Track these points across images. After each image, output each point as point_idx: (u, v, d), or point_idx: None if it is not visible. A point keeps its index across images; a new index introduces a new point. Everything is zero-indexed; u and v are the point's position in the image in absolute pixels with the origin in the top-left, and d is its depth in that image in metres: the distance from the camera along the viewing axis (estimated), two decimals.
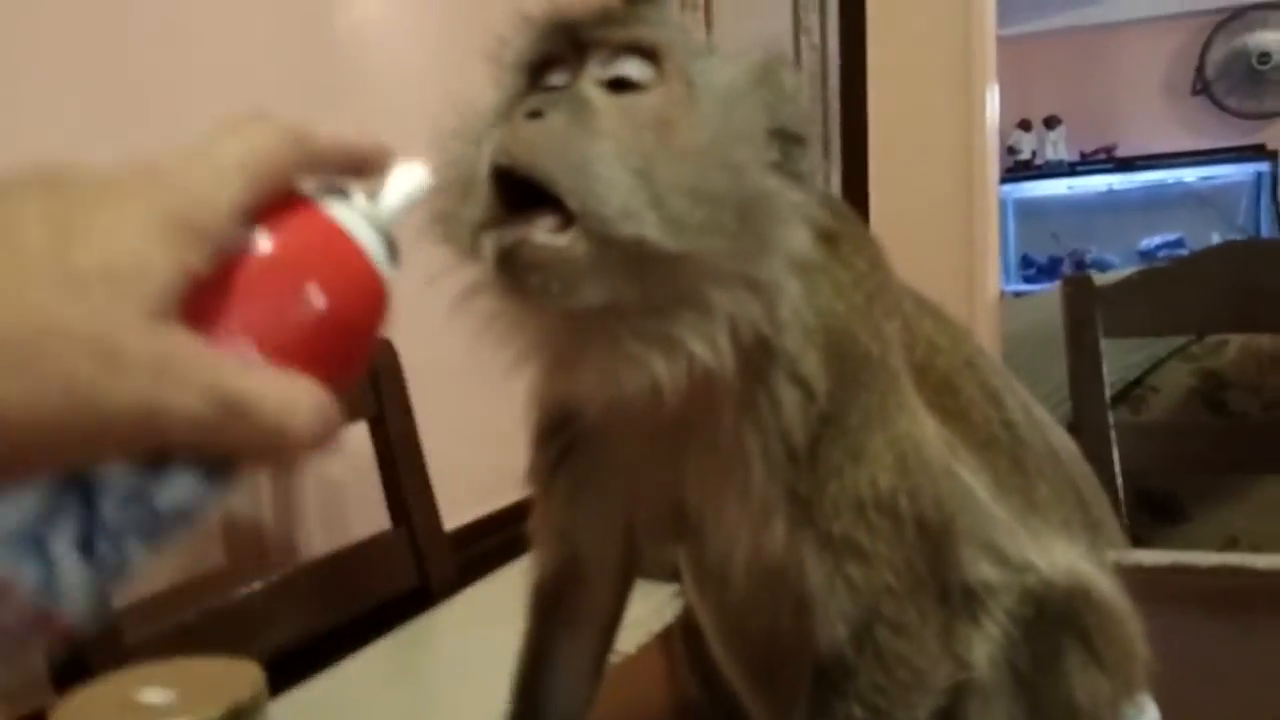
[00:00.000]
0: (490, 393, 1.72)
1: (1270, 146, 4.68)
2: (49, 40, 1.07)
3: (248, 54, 1.31)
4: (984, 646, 0.57)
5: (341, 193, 0.38)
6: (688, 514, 0.58)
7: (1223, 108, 4.88)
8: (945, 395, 0.59)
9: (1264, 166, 4.70)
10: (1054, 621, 0.57)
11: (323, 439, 0.34)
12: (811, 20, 1.75)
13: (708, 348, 0.49)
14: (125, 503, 0.32)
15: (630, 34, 0.50)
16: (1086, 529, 0.64)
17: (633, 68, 0.49)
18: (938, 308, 0.64)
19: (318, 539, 1.36)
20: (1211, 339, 1.83)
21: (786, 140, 0.51)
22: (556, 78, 0.51)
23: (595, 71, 0.50)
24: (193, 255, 0.32)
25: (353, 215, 0.37)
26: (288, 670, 0.89)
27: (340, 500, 1.41)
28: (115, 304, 0.30)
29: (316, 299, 0.35)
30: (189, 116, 1.20)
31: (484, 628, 1.04)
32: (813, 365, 0.53)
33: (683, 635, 0.76)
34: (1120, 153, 4.99)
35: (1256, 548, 1.74)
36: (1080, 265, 5.03)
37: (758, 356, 0.53)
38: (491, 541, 1.57)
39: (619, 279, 0.47)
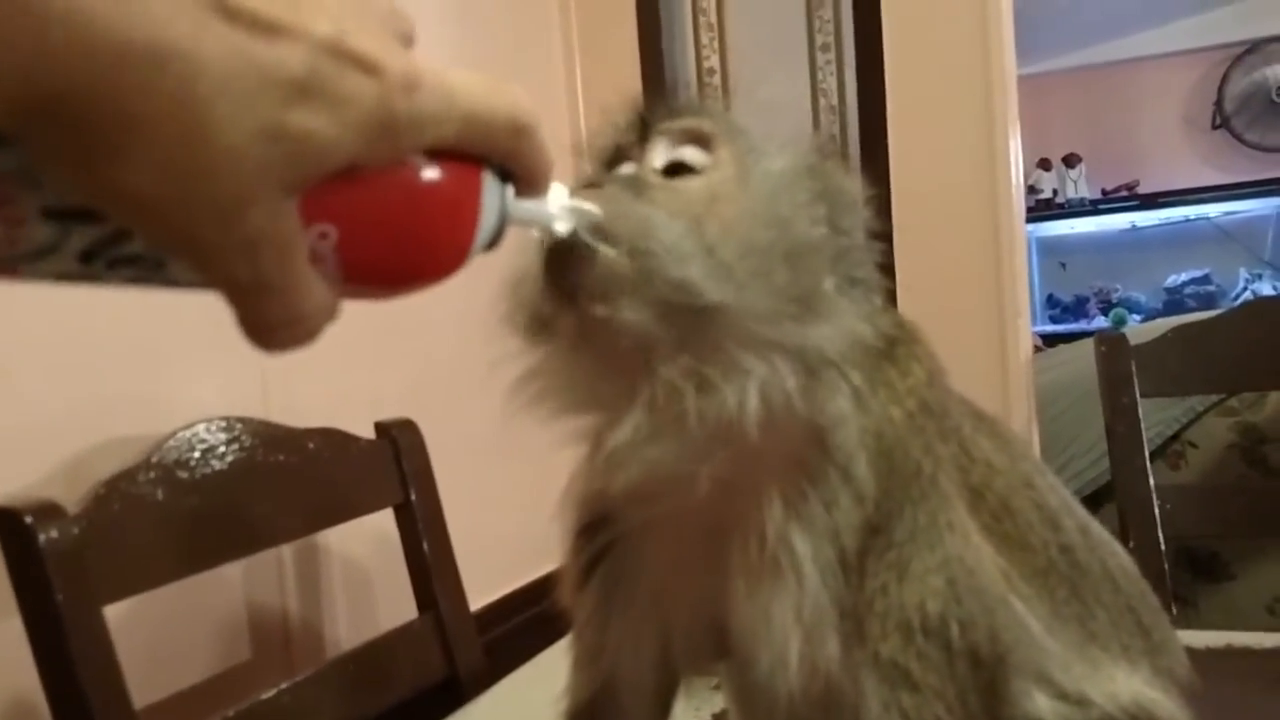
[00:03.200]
0: (512, 468, 1.71)
1: None
2: None
3: None
4: None
5: (502, 172, 0.39)
6: (730, 627, 0.55)
7: (1243, 141, 4.85)
8: (1004, 520, 0.57)
9: None
10: None
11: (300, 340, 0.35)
12: (829, 83, 1.75)
13: (738, 401, 0.48)
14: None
15: (688, 124, 0.52)
16: (1147, 654, 0.61)
17: (690, 153, 0.51)
18: (994, 421, 0.62)
19: (344, 628, 1.34)
20: (1250, 393, 1.79)
21: (842, 247, 0.52)
22: (625, 168, 0.53)
23: (655, 159, 0.52)
24: (371, 143, 0.32)
25: (493, 194, 0.38)
26: None
27: (366, 587, 1.39)
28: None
29: (412, 236, 0.36)
30: None
31: None
32: (863, 468, 0.51)
33: None
34: (1142, 189, 4.96)
35: None
36: (1107, 304, 4.99)
37: (809, 450, 0.51)
38: (518, 620, 1.55)
39: (658, 316, 0.47)
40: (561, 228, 0.45)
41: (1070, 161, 5.02)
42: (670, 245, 0.47)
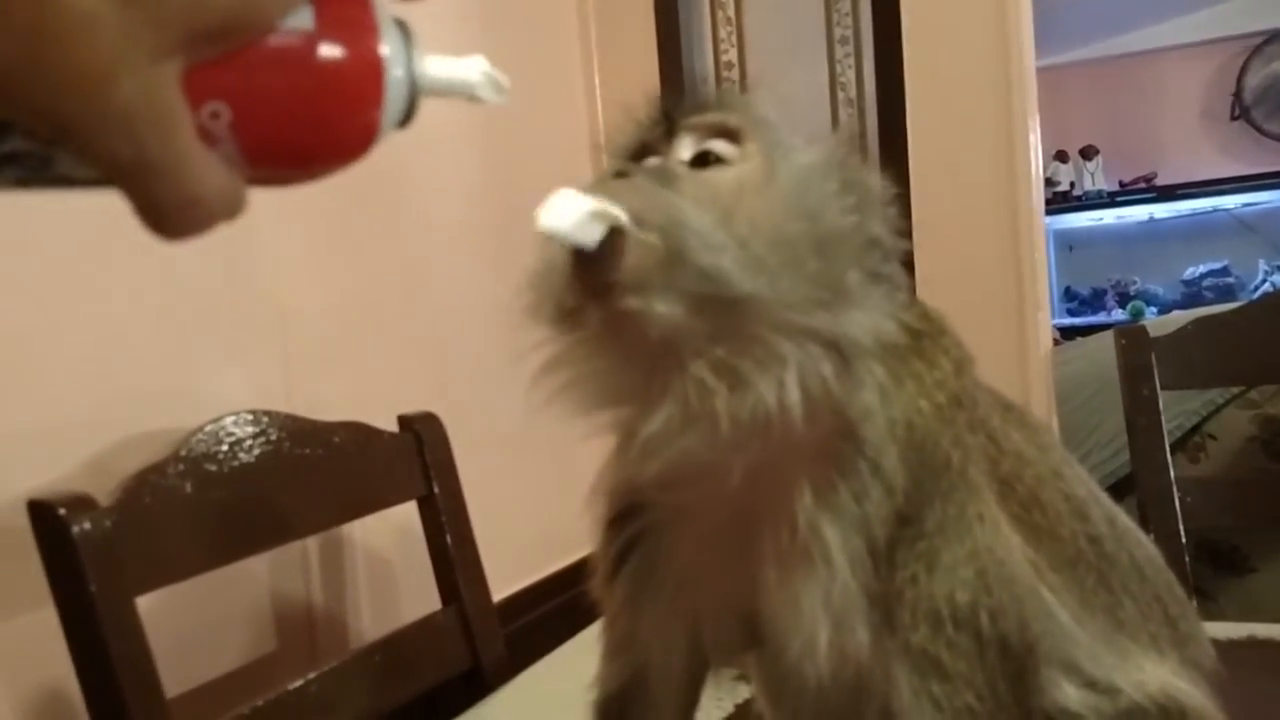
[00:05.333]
0: (534, 461, 1.72)
1: None
2: None
3: None
4: None
5: (406, 30, 0.36)
6: (760, 616, 0.56)
7: (1263, 132, 4.82)
8: (1033, 511, 0.57)
9: None
10: None
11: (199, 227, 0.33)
12: (848, 76, 1.75)
13: (776, 395, 0.47)
14: None
15: (714, 118, 0.52)
16: (1174, 645, 0.61)
17: (718, 145, 0.52)
18: (1023, 412, 0.63)
19: (367, 620, 1.36)
20: (1271, 386, 1.78)
21: (868, 241, 0.52)
22: (651, 161, 0.53)
23: (683, 152, 0.52)
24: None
25: (398, 56, 0.35)
26: None
27: (390, 580, 1.40)
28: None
29: (311, 110, 0.34)
30: None
31: (538, 717, 1.02)
32: (892, 460, 0.51)
33: None
34: (1160, 181, 4.93)
35: None
36: (1125, 297, 4.97)
37: (839, 441, 0.51)
38: (540, 611, 1.56)
39: (691, 306, 0.47)
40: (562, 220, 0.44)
41: (1087, 154, 5.00)
42: (702, 235, 0.46)
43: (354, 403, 1.22)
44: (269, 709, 1.00)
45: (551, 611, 1.56)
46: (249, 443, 1.05)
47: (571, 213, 0.45)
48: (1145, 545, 0.65)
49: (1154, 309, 4.73)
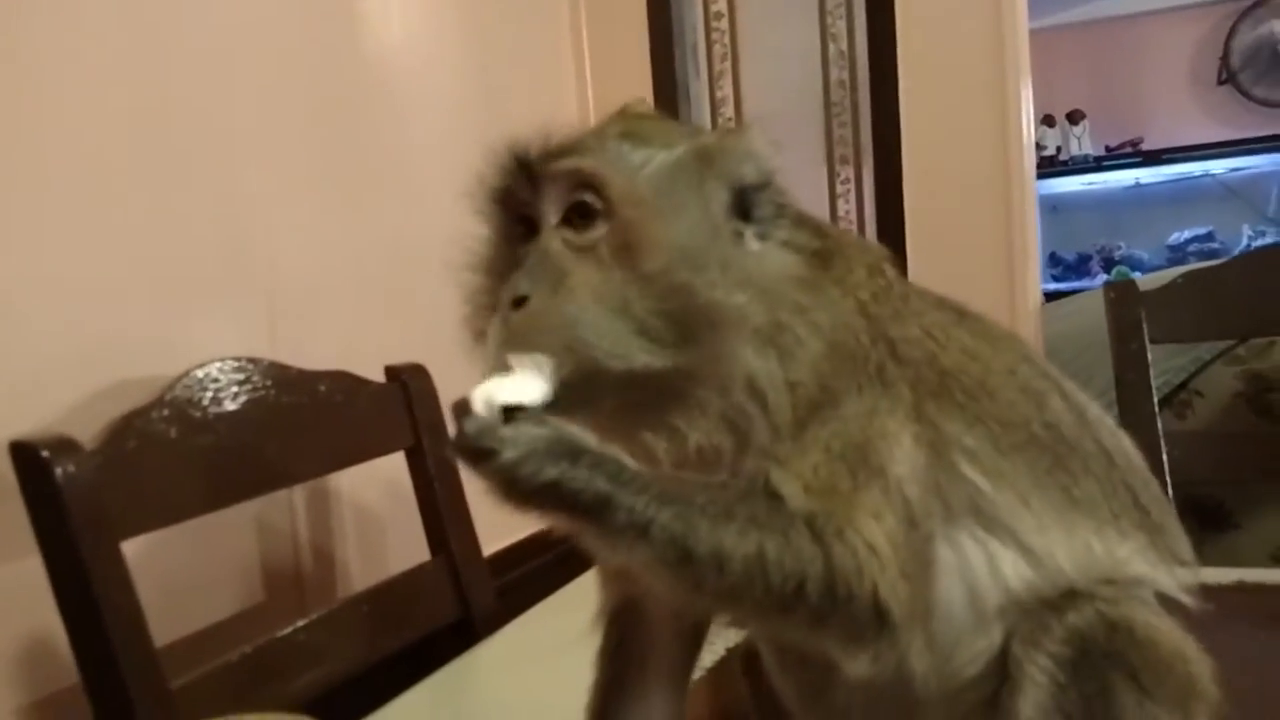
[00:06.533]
0: None
1: None
2: (99, 69, 1.09)
3: (280, 79, 1.30)
4: (1033, 694, 0.56)
5: None
6: None
7: (1250, 97, 4.82)
8: (980, 399, 0.60)
9: None
10: (1098, 661, 0.57)
11: None
12: (839, 27, 1.73)
13: (704, 434, 0.55)
14: None
15: (571, 165, 0.56)
16: (1144, 530, 0.62)
17: (583, 198, 0.56)
18: (981, 317, 0.65)
19: (356, 571, 1.35)
20: (1258, 341, 1.78)
21: (750, 193, 0.57)
22: (523, 221, 0.58)
23: (553, 206, 0.56)
24: None
25: None
26: (333, 710, 0.87)
27: (378, 532, 1.40)
28: None
29: None
30: (223, 136, 1.21)
31: (528, 665, 1.02)
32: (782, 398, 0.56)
33: (743, 663, 0.75)
34: (1146, 146, 4.93)
35: None
36: (1110, 262, 4.98)
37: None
38: (530, 566, 1.55)
39: (621, 386, 0.53)
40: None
41: (1074, 118, 4.98)
42: (606, 342, 0.53)
43: (340, 353, 1.21)
44: (257, 656, 1.00)
45: (542, 566, 1.55)
46: (235, 389, 1.03)
47: (495, 405, 0.51)
48: (1119, 437, 0.66)
49: (1139, 274, 4.74)
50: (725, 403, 0.55)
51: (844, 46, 1.74)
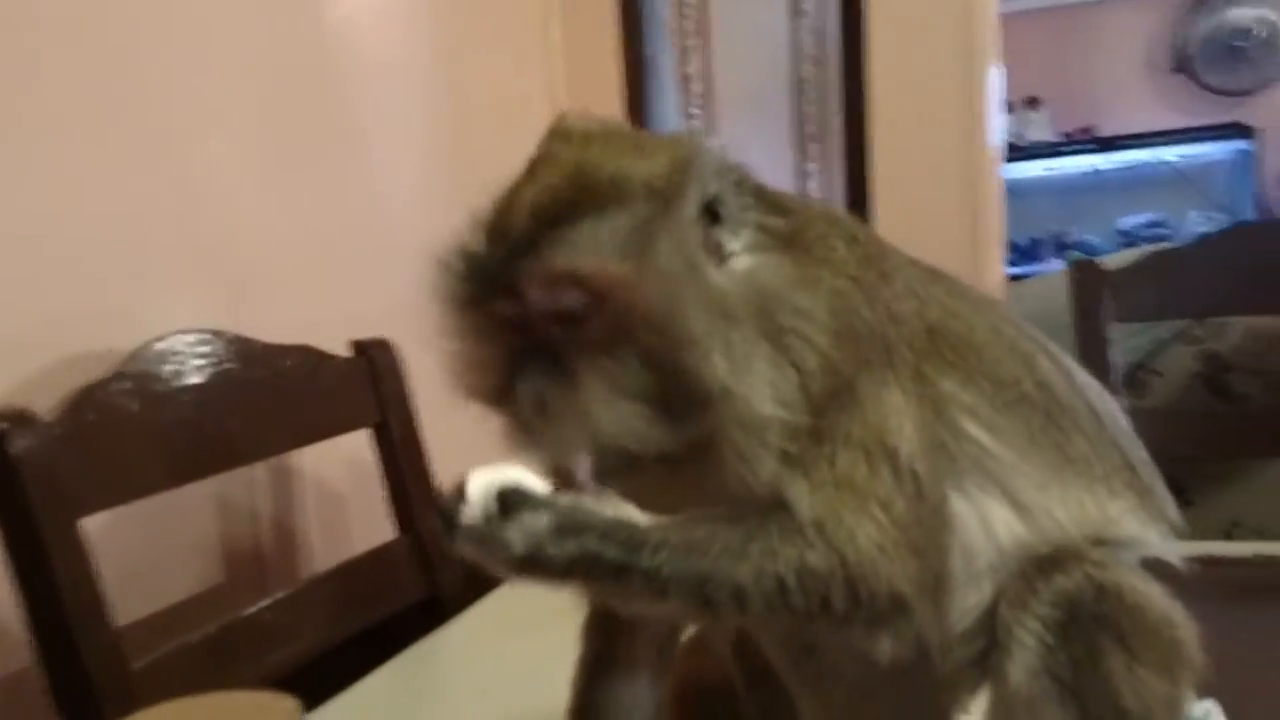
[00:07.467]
0: None
1: (1250, 124, 4.68)
2: (53, 34, 1.06)
3: (241, 47, 1.27)
4: (1021, 657, 0.56)
5: None
6: None
7: (1203, 85, 4.89)
8: (968, 356, 0.60)
9: (1244, 144, 4.70)
10: (1087, 623, 0.57)
11: None
12: (810, 3, 1.72)
13: (735, 482, 0.55)
14: None
15: (547, 269, 0.53)
16: (1133, 489, 0.63)
17: (569, 298, 0.53)
18: (957, 281, 0.64)
19: (320, 550, 1.33)
20: (1214, 321, 1.81)
21: (715, 202, 0.56)
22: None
23: (536, 306, 0.54)
24: None
25: None
26: (300, 689, 0.86)
27: (341, 510, 1.37)
28: None
29: None
30: (184, 105, 1.18)
31: (499, 643, 1.01)
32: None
33: None
34: (1101, 133, 4.98)
35: (1259, 533, 1.73)
36: (1062, 247, 5.04)
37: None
38: None
39: (645, 465, 0.54)
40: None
41: (1032, 104, 5.03)
42: (628, 430, 0.53)
43: (303, 327, 1.18)
44: (221, 636, 0.98)
45: None
46: (197, 362, 1.01)
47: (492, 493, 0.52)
48: (1108, 400, 0.66)
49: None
50: (747, 439, 0.55)
51: (815, 23, 1.73)
